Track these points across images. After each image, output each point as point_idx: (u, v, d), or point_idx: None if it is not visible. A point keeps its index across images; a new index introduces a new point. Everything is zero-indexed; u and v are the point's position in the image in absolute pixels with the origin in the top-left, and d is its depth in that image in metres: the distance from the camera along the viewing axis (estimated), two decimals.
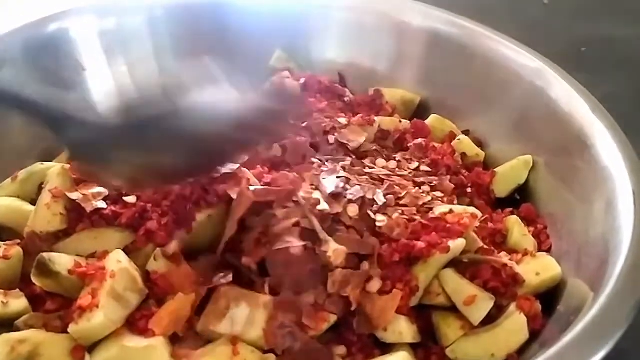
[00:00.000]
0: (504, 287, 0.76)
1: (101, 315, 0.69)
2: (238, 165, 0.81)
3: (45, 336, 0.71)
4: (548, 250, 0.85)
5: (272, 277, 0.74)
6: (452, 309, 0.76)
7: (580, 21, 1.48)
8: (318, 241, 0.75)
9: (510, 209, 0.91)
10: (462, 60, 1.04)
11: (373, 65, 1.11)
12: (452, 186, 0.88)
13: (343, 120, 0.94)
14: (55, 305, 0.75)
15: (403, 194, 0.83)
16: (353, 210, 0.78)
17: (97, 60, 1.05)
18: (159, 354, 0.70)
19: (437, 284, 0.76)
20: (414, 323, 0.75)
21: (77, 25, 1.04)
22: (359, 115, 0.97)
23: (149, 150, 0.73)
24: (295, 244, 0.74)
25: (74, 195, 0.79)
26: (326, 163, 0.86)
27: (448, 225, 0.78)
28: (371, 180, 0.85)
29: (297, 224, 0.76)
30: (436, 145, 0.96)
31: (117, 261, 0.74)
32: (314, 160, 0.87)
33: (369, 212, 0.79)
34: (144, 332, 0.72)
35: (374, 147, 0.93)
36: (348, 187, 0.81)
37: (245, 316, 0.72)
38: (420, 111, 1.07)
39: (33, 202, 0.83)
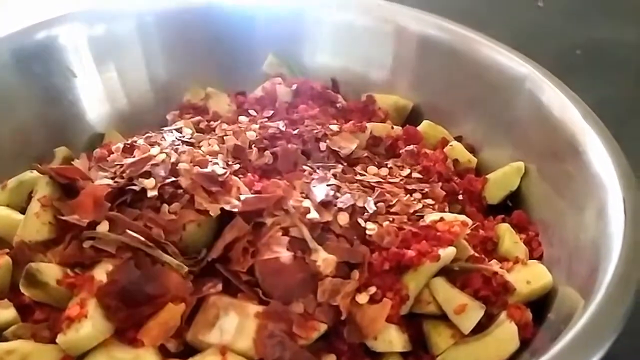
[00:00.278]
0: (494, 296, 0.76)
1: (89, 325, 0.69)
2: (228, 173, 0.81)
3: (34, 347, 0.71)
4: (539, 258, 0.85)
5: (261, 286, 0.74)
6: (442, 317, 0.76)
7: (575, 24, 1.48)
8: (307, 250, 0.75)
9: (502, 216, 0.90)
10: (454, 66, 1.04)
11: (366, 71, 1.11)
12: (444, 193, 0.88)
13: (335, 127, 0.94)
14: (44, 315, 0.75)
15: (394, 201, 0.83)
16: (343, 218, 0.78)
17: (87, 66, 1.05)
18: None
19: (428, 293, 0.76)
20: (404, 332, 0.75)
21: (67, 31, 1.04)
22: (350, 122, 0.96)
23: None
24: (284, 253, 0.74)
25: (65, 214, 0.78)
26: (317, 170, 0.86)
27: (438, 234, 0.77)
28: (362, 188, 0.85)
29: (286, 233, 0.76)
30: (428, 151, 0.95)
31: (106, 271, 0.73)
32: (305, 167, 0.87)
33: (359, 220, 0.79)
34: (133, 342, 0.71)
35: (366, 154, 0.93)
36: (338, 195, 0.80)
37: (235, 326, 0.72)
38: (412, 117, 1.07)
39: (22, 211, 0.83)
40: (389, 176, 0.89)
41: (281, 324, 0.72)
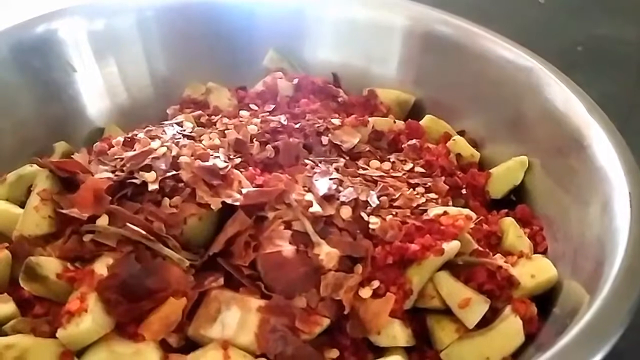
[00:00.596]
0: (499, 290, 0.76)
1: (90, 319, 0.68)
2: (229, 166, 0.80)
3: (33, 341, 0.70)
4: (544, 252, 0.85)
5: (263, 281, 0.73)
6: (446, 312, 0.75)
7: (577, 21, 1.48)
8: (310, 244, 0.74)
9: (506, 210, 0.90)
10: (457, 60, 1.03)
11: (367, 65, 1.11)
12: (447, 187, 0.87)
13: (337, 121, 0.93)
14: (44, 309, 0.74)
15: (397, 195, 0.83)
16: (346, 212, 0.77)
17: (87, 61, 1.05)
18: (149, 359, 0.69)
19: (432, 287, 0.75)
20: (408, 326, 0.74)
21: (67, 26, 1.04)
22: (352, 116, 0.96)
23: None
24: (286, 247, 0.73)
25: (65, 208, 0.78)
26: (319, 164, 0.85)
27: (442, 227, 0.77)
28: (365, 182, 0.84)
29: (288, 227, 0.75)
30: (431, 146, 0.95)
31: (107, 265, 0.72)
32: (306, 161, 0.86)
33: (362, 214, 0.78)
34: (134, 337, 0.71)
35: (368, 148, 0.92)
36: (341, 188, 0.80)
37: (237, 320, 0.71)
38: (414, 111, 1.06)
39: (22, 205, 0.82)
40: (391, 170, 0.89)
41: (283, 318, 0.71)
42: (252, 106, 1.00)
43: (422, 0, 1.11)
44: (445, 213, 0.79)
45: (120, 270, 0.72)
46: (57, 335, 0.69)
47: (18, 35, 1.00)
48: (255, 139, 0.88)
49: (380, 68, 1.10)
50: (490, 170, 0.94)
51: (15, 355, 0.68)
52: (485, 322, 0.74)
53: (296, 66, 1.11)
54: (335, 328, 0.73)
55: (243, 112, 0.97)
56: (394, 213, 0.80)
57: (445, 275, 0.75)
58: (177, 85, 1.09)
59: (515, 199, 0.93)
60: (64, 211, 0.77)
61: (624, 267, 0.68)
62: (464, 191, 0.90)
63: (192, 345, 0.72)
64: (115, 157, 0.82)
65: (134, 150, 0.82)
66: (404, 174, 0.88)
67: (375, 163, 0.89)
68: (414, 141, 0.94)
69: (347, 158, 0.89)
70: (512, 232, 0.84)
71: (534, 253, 0.83)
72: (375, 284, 0.74)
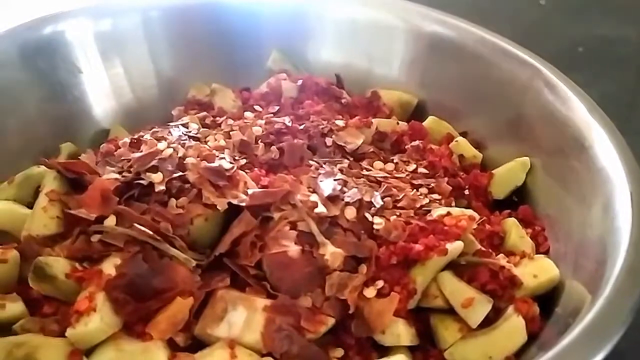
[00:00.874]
0: (501, 290, 0.76)
1: (98, 319, 0.69)
2: (235, 167, 0.81)
3: (42, 340, 0.71)
4: (546, 253, 0.85)
5: (269, 280, 0.74)
6: (450, 311, 0.76)
7: (577, 22, 1.48)
8: (315, 244, 0.75)
9: (508, 211, 0.91)
10: (459, 61, 1.04)
11: (370, 66, 1.11)
12: (450, 188, 0.88)
13: (340, 123, 0.94)
14: (52, 309, 0.75)
15: (400, 196, 0.83)
16: (350, 212, 0.78)
17: (92, 62, 1.05)
18: (157, 358, 0.70)
19: (435, 287, 0.76)
20: (411, 326, 0.75)
21: (73, 27, 1.04)
22: (356, 117, 0.96)
23: None
24: (292, 247, 0.74)
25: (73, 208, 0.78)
26: (323, 165, 0.86)
27: (445, 228, 0.78)
28: (368, 183, 0.85)
29: (294, 227, 0.76)
30: (433, 147, 0.95)
31: (115, 265, 0.73)
32: (311, 162, 0.87)
33: (366, 214, 0.79)
34: (142, 336, 0.71)
35: (371, 149, 0.93)
36: (345, 189, 0.80)
37: (243, 319, 0.72)
38: (417, 113, 1.07)
39: (29, 206, 0.83)
40: (395, 171, 0.89)
41: (289, 317, 0.72)
42: (257, 107, 1.01)
43: (423, 2, 1.11)
44: (448, 214, 0.80)
45: (127, 270, 0.73)
46: (66, 334, 0.70)
47: (24, 36, 1.01)
48: (260, 140, 0.89)
49: (382, 69, 1.10)
50: (493, 171, 0.95)
51: (24, 353, 0.69)
52: (488, 321, 0.75)
53: (300, 67, 1.11)
54: (340, 327, 0.74)
55: (247, 114, 0.98)
56: (397, 214, 0.80)
57: (449, 275, 0.76)
58: (182, 86, 1.09)
59: (517, 200, 0.94)
60: (71, 211, 0.78)
61: (625, 266, 0.69)
62: (466, 192, 0.91)
63: (199, 344, 0.73)
64: (122, 158, 0.83)
65: (141, 151, 0.83)
66: (407, 175, 0.89)
67: (378, 164, 0.90)
68: (417, 142, 0.95)
69: (351, 159, 0.90)
70: (515, 232, 0.84)
71: (536, 253, 0.84)
72: (380, 283, 0.75)
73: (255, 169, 0.85)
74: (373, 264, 0.75)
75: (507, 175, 0.94)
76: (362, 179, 0.85)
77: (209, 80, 1.09)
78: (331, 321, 0.73)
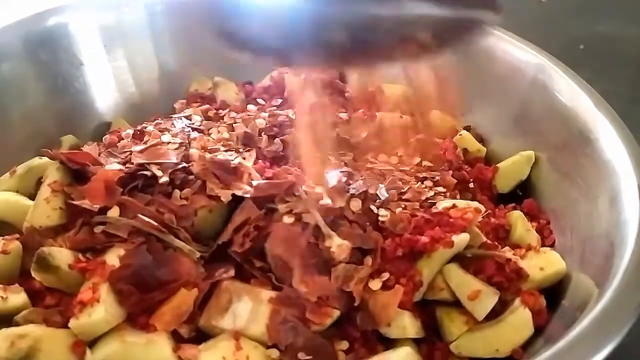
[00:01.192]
0: (507, 282, 0.76)
1: (102, 310, 0.69)
2: (239, 159, 0.80)
3: (45, 331, 0.70)
4: (551, 246, 0.85)
5: (274, 272, 0.74)
6: (455, 304, 0.75)
7: (578, 19, 1.48)
8: (321, 236, 0.74)
9: (513, 205, 0.90)
10: (463, 55, 1.03)
11: None
12: (455, 181, 0.88)
13: (344, 116, 0.93)
14: (55, 300, 0.74)
15: (405, 188, 0.83)
16: (356, 204, 0.78)
17: (95, 54, 1.05)
18: (161, 349, 0.69)
19: (441, 279, 0.76)
20: (417, 318, 0.75)
21: (76, 19, 1.04)
22: (360, 111, 0.96)
23: None
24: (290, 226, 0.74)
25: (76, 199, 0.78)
26: (329, 158, 0.85)
27: (451, 220, 0.77)
28: (373, 175, 0.84)
29: (299, 219, 0.75)
30: (438, 140, 0.95)
31: (118, 256, 0.73)
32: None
33: (372, 206, 0.78)
34: (146, 327, 0.71)
35: (376, 142, 0.92)
36: (351, 181, 0.80)
37: (248, 311, 0.72)
38: None
39: (31, 197, 0.83)
40: (399, 164, 0.89)
41: (294, 309, 0.72)
42: (260, 101, 1.01)
43: None
44: (454, 206, 0.80)
45: (131, 261, 0.72)
46: (69, 325, 0.69)
47: (27, 28, 1.00)
48: (263, 133, 0.89)
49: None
50: (497, 165, 0.94)
51: (27, 345, 0.68)
52: (495, 314, 0.74)
53: None
54: (346, 319, 0.74)
55: (250, 107, 0.98)
56: (403, 206, 0.80)
57: (455, 268, 0.76)
58: (184, 79, 1.09)
59: (522, 194, 0.94)
60: (75, 202, 0.77)
61: (633, 259, 0.69)
62: (471, 185, 0.90)
63: (203, 335, 0.73)
64: (125, 149, 0.83)
65: (144, 142, 0.83)
66: (411, 168, 0.89)
67: (383, 157, 0.90)
68: (421, 136, 0.94)
69: (355, 152, 0.90)
70: (520, 225, 0.84)
71: (542, 247, 0.84)
72: (385, 276, 0.74)
73: (259, 161, 0.84)
74: (379, 256, 0.75)
75: (512, 168, 0.93)
76: (366, 172, 0.85)
77: (211, 73, 1.08)
78: (336, 313, 0.73)
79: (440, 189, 0.86)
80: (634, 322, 0.64)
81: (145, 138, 0.84)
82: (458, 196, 0.87)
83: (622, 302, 0.66)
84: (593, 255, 0.77)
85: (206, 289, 0.73)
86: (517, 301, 0.74)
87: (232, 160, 0.80)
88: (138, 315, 0.72)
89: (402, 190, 0.83)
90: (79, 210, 0.77)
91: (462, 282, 0.75)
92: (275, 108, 0.96)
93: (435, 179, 0.87)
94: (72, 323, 0.69)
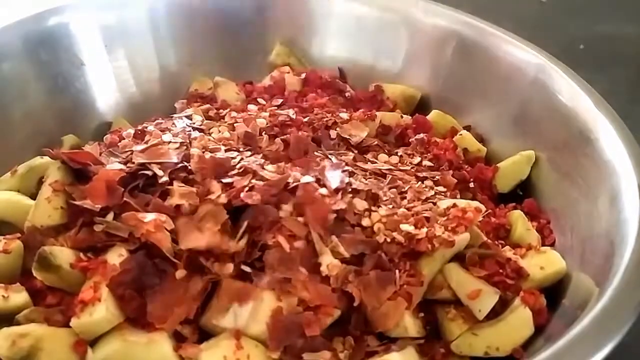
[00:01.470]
0: (508, 281, 0.76)
1: (103, 309, 0.69)
2: (240, 159, 0.80)
3: (47, 330, 0.70)
4: (552, 245, 0.85)
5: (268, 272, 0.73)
6: (456, 303, 0.76)
7: (578, 19, 1.48)
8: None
9: (513, 204, 0.91)
10: (463, 55, 1.04)
11: (374, 60, 1.11)
12: (455, 181, 0.88)
13: (345, 115, 0.93)
14: (56, 299, 0.75)
15: (406, 188, 0.83)
16: (358, 204, 0.77)
17: (96, 54, 1.05)
18: (162, 348, 0.69)
19: (442, 278, 0.76)
20: (418, 317, 0.75)
21: (77, 19, 1.04)
22: (360, 111, 0.96)
23: None
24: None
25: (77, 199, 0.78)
26: (330, 157, 0.85)
27: (452, 219, 0.77)
28: (374, 175, 0.84)
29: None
30: (438, 140, 0.95)
31: (119, 255, 0.73)
32: (316, 154, 0.86)
33: (373, 206, 0.78)
34: (147, 327, 0.71)
35: (376, 142, 0.92)
36: (353, 181, 0.80)
37: (249, 311, 0.72)
38: (421, 107, 1.07)
39: (33, 197, 0.83)
40: (399, 164, 0.89)
41: (295, 309, 0.72)
42: (260, 100, 1.01)
43: None
44: (454, 205, 0.80)
45: (131, 266, 0.72)
46: (70, 324, 0.69)
47: (27, 28, 1.00)
48: (264, 133, 0.88)
49: (386, 63, 1.10)
50: (498, 165, 0.95)
51: (29, 344, 0.68)
52: (495, 313, 0.75)
53: (303, 61, 1.11)
54: (346, 319, 0.74)
55: (251, 106, 0.98)
56: (403, 205, 0.80)
57: (455, 267, 0.76)
58: (185, 79, 1.09)
59: (522, 193, 0.94)
60: (77, 203, 0.77)
61: (633, 259, 0.69)
62: (471, 185, 0.91)
63: (204, 335, 0.73)
64: (126, 149, 0.83)
65: (145, 142, 0.83)
66: (412, 168, 0.89)
67: (383, 157, 0.90)
68: (421, 135, 0.94)
69: (356, 152, 0.90)
70: (521, 224, 0.85)
71: (542, 246, 0.84)
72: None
73: (260, 160, 0.84)
74: (379, 257, 0.75)
75: (512, 168, 0.94)
76: (367, 172, 0.85)
77: (211, 73, 1.09)
78: (337, 313, 0.73)
79: (441, 188, 0.86)
80: (634, 321, 0.64)
81: (146, 138, 0.84)
82: (458, 196, 0.87)
83: (622, 301, 0.66)
84: (593, 254, 0.77)
85: (208, 289, 0.73)
86: (518, 300, 0.75)
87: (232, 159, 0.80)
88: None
89: (403, 190, 0.83)
90: (80, 209, 0.77)
91: (463, 282, 0.75)
92: (275, 108, 0.96)
93: (435, 179, 0.87)
94: (74, 322, 0.69)
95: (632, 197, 0.75)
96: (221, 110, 0.98)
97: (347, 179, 0.79)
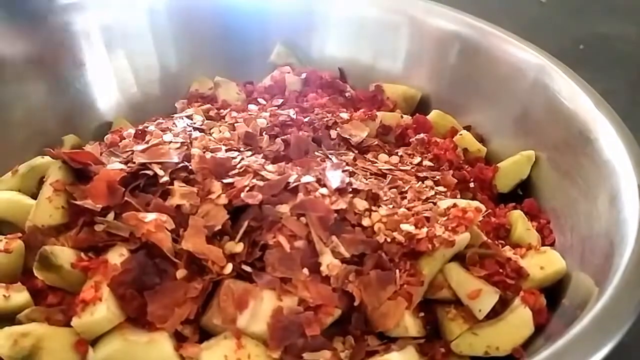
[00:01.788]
0: (508, 281, 0.76)
1: (104, 308, 0.69)
2: (241, 159, 0.80)
3: (48, 329, 0.71)
4: (552, 245, 0.85)
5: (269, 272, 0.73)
6: (456, 302, 0.76)
7: (578, 20, 1.49)
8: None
9: (513, 204, 0.91)
10: (463, 55, 1.04)
11: (374, 61, 1.11)
12: (455, 181, 0.88)
13: (345, 115, 0.94)
14: (57, 299, 0.75)
15: (406, 188, 0.83)
16: (359, 204, 0.77)
17: (97, 54, 1.05)
18: (163, 348, 0.69)
19: (442, 278, 0.76)
20: (418, 317, 0.75)
21: (78, 19, 1.04)
22: (360, 111, 0.96)
23: None
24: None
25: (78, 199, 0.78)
26: (330, 157, 0.85)
27: (452, 219, 0.77)
28: (374, 175, 0.85)
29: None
30: (438, 140, 0.95)
31: (120, 255, 0.73)
32: (317, 154, 0.86)
33: (374, 206, 0.78)
34: (147, 326, 0.71)
35: (376, 142, 0.93)
36: (353, 181, 0.80)
37: (249, 310, 0.72)
38: (421, 107, 1.07)
39: (34, 196, 0.83)
40: (400, 164, 0.89)
41: (295, 308, 0.72)
42: (260, 100, 1.01)
43: None
44: (454, 205, 0.80)
45: (132, 266, 0.72)
46: (71, 323, 0.70)
47: (29, 28, 1.00)
48: (264, 132, 0.89)
49: (386, 63, 1.11)
50: (498, 165, 0.95)
51: (30, 343, 0.69)
52: (495, 313, 0.75)
53: (304, 61, 1.11)
54: (346, 318, 0.74)
55: (251, 106, 0.98)
56: (404, 205, 0.80)
57: (456, 267, 0.76)
58: (186, 79, 1.09)
59: (522, 193, 0.94)
60: (77, 202, 0.77)
61: (633, 259, 0.69)
62: (471, 185, 0.91)
63: (205, 334, 0.73)
64: (127, 149, 0.83)
65: (146, 142, 0.83)
66: (412, 168, 0.89)
67: (383, 157, 0.90)
68: (421, 135, 0.95)
69: (356, 152, 0.90)
70: (521, 224, 0.85)
71: (542, 246, 0.84)
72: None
73: (261, 160, 0.84)
74: (380, 257, 0.75)
75: (512, 168, 0.94)
76: (367, 172, 0.85)
77: (212, 73, 1.09)
78: (337, 312, 0.73)
79: (441, 188, 0.86)
80: (634, 321, 0.64)
81: (147, 138, 0.84)
82: (458, 196, 0.87)
83: (622, 301, 0.66)
84: (593, 254, 0.77)
85: (208, 289, 0.73)
86: (518, 300, 0.75)
87: (233, 159, 0.80)
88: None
89: (403, 190, 0.83)
90: (81, 209, 0.77)
91: (463, 281, 0.75)
92: (276, 108, 0.96)
93: (435, 179, 0.87)
94: (75, 322, 0.69)
95: (631, 197, 0.75)
96: (222, 110, 0.98)
97: (347, 179, 0.79)
